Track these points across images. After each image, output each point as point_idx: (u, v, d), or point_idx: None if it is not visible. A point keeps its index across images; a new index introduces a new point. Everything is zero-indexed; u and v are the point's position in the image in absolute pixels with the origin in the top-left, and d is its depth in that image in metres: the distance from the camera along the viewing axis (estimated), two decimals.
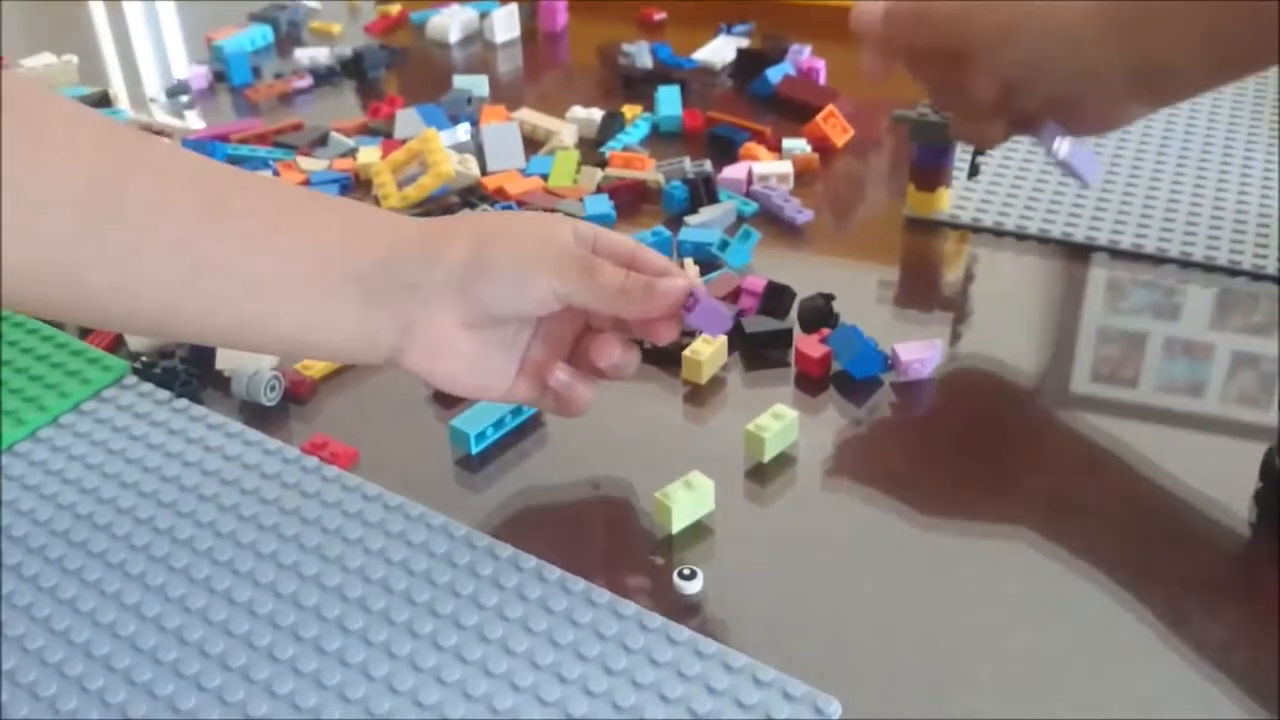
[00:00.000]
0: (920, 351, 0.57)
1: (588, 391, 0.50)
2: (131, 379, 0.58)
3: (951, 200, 0.69)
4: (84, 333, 0.61)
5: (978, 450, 0.54)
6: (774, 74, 0.84)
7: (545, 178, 0.74)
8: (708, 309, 0.48)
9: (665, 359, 0.59)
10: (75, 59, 0.92)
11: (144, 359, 0.59)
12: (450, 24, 0.95)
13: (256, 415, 0.57)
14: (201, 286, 0.44)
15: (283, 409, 0.58)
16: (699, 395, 0.58)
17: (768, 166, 0.73)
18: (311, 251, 0.46)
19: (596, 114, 0.80)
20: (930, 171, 0.68)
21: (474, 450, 0.54)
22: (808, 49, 0.88)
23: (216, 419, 0.56)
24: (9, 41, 0.98)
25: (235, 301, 0.44)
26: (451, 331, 0.47)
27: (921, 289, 0.67)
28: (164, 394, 0.57)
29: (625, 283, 0.47)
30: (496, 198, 0.72)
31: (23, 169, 0.40)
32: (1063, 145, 0.59)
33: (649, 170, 0.74)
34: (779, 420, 0.53)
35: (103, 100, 0.86)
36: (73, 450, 0.54)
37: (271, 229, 0.45)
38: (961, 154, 0.70)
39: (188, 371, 0.58)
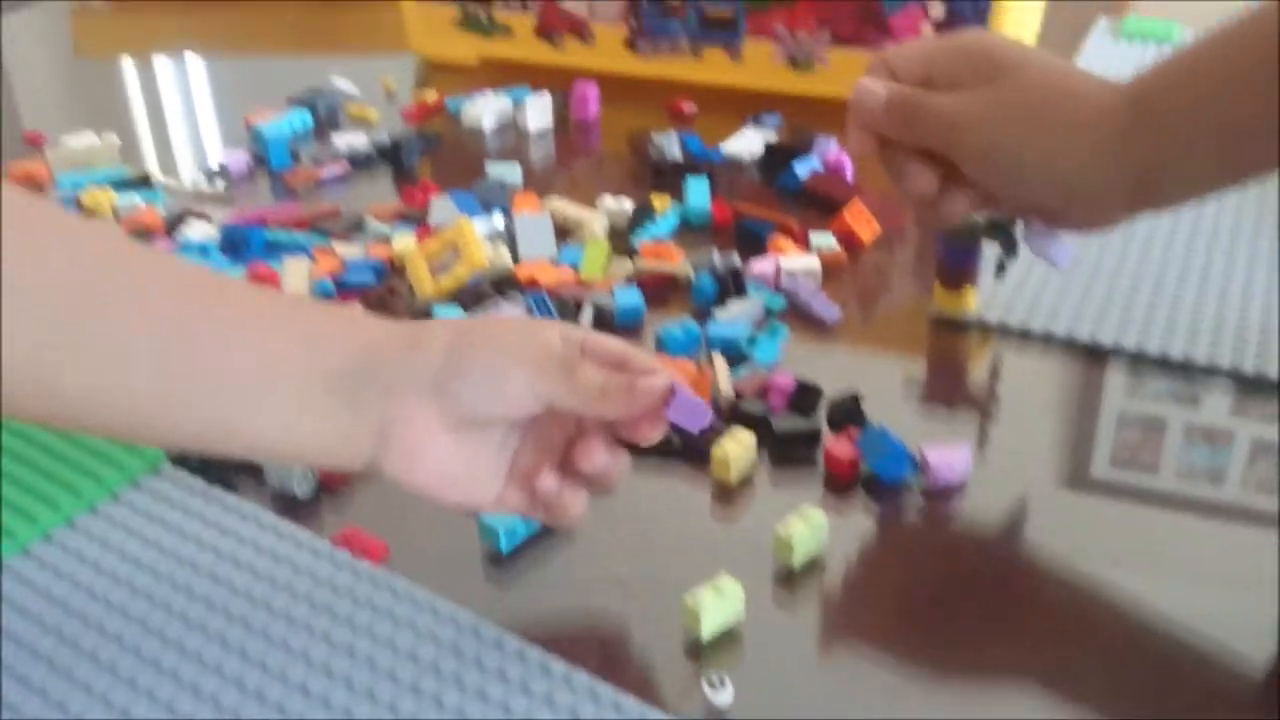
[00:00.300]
0: (949, 456, 0.57)
1: (578, 500, 0.49)
2: (168, 466, 0.59)
3: (978, 299, 0.70)
4: None
5: (1003, 567, 0.54)
6: (801, 168, 0.85)
7: (576, 268, 0.75)
8: (685, 404, 0.47)
9: (695, 456, 0.59)
10: (116, 139, 0.94)
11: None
12: (484, 112, 0.97)
13: (289, 505, 0.58)
14: (173, 388, 0.43)
15: (314, 499, 0.58)
16: (728, 493, 0.58)
17: (795, 261, 0.74)
18: (286, 354, 0.45)
19: (627, 204, 0.81)
20: (957, 271, 0.68)
21: (504, 548, 0.54)
22: (834, 142, 0.89)
23: (250, 509, 0.56)
24: (50, 119, 1.01)
25: (208, 404, 0.44)
26: (431, 435, 0.46)
27: (947, 387, 0.67)
28: (199, 482, 0.58)
29: (606, 383, 0.46)
30: (528, 287, 0.73)
31: (3, 272, 0.41)
32: (1039, 237, 0.59)
33: (678, 263, 0.75)
34: (808, 524, 0.53)
35: (143, 181, 0.88)
36: (109, 539, 0.55)
37: (246, 332, 0.45)
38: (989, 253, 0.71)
39: (223, 460, 0.59)
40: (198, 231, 0.78)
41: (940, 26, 0.92)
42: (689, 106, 0.99)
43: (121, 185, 0.86)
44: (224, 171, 0.89)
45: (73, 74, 1.20)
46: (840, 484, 0.58)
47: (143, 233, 0.79)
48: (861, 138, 0.58)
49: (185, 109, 1.08)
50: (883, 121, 0.57)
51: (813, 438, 0.60)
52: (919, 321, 0.71)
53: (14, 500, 0.56)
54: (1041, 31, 1.08)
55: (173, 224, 0.80)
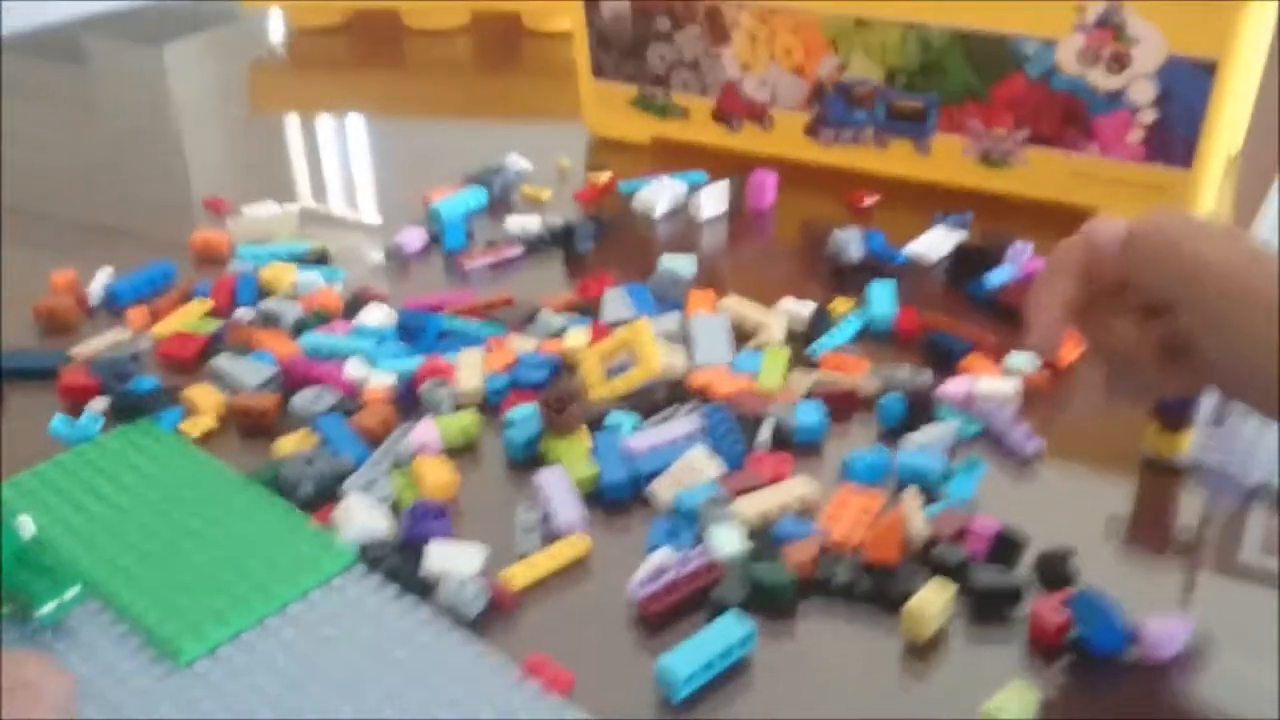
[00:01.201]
0: (1169, 629, 0.52)
1: None
2: (359, 569, 0.58)
3: (1194, 443, 0.65)
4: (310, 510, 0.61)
5: None
6: (995, 276, 0.80)
7: (754, 376, 0.72)
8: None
9: (886, 602, 0.55)
10: (297, 209, 0.95)
11: (372, 552, 0.59)
12: (658, 198, 0.95)
13: (457, 621, 0.56)
14: None
15: (483, 618, 0.56)
16: (918, 650, 0.54)
17: (993, 384, 0.69)
18: None
19: (806, 307, 0.78)
20: (1176, 412, 0.63)
21: (680, 696, 0.51)
22: (1030, 247, 0.85)
23: (441, 624, 0.55)
24: (232, 190, 1.03)
25: None
26: None
27: (1154, 533, 0.61)
28: (390, 590, 0.57)
29: None
30: (704, 395, 0.70)
31: None
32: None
33: (863, 377, 0.71)
34: (1018, 700, 0.48)
35: (322, 258, 0.88)
36: (297, 645, 0.53)
37: None
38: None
39: (413, 568, 0.57)
40: (375, 316, 0.78)
41: (1148, 133, 0.87)
42: (870, 199, 0.95)
43: (301, 260, 0.87)
44: (399, 250, 0.89)
45: (247, 131, 1.23)
46: (1045, 648, 0.54)
47: (322, 314, 0.79)
48: (1065, 286, 0.54)
49: (360, 175, 1.10)
50: (1111, 260, 0.53)
51: (1016, 595, 0.55)
52: (1126, 459, 0.66)
53: (207, 599, 0.56)
54: (1248, 138, 1.02)
55: (351, 307, 0.80)
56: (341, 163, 1.12)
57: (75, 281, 0.85)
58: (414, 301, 0.81)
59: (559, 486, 0.63)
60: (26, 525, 0.55)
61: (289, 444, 0.67)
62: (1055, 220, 0.91)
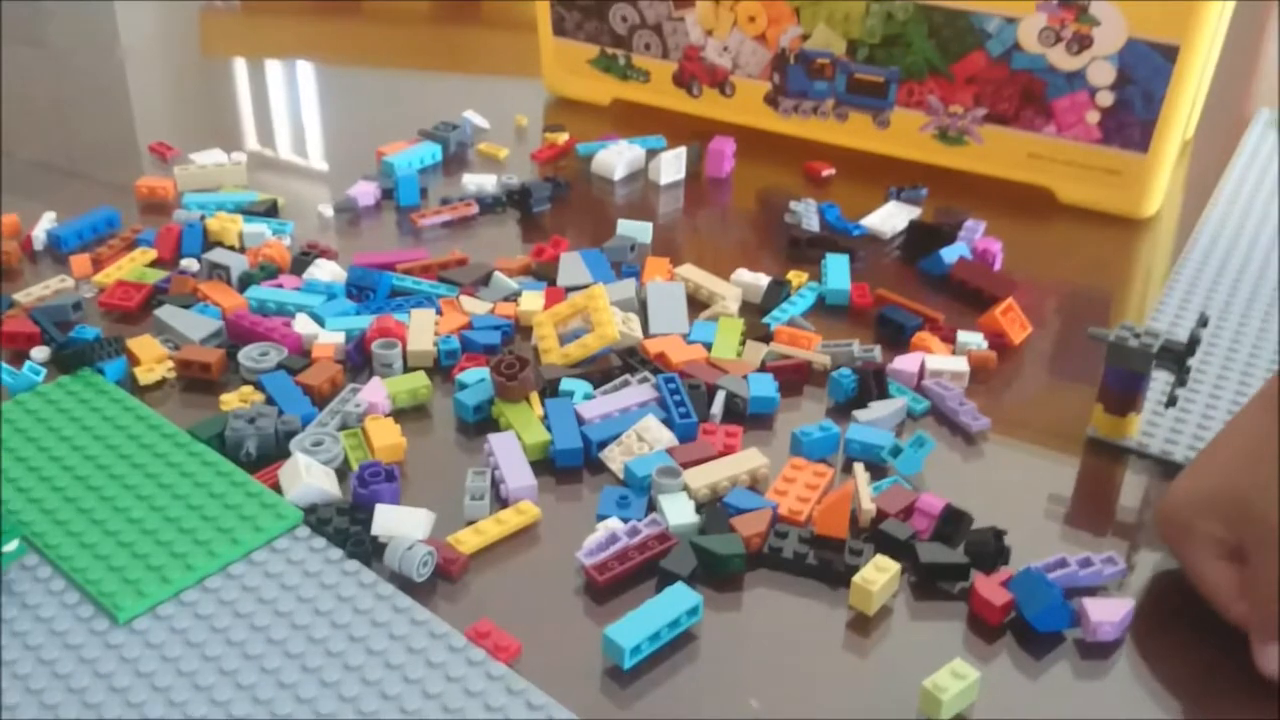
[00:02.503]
0: (1111, 611, 0.53)
1: None
2: (304, 530, 0.57)
3: (1140, 426, 0.66)
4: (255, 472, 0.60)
5: None
6: (948, 254, 0.81)
7: (708, 347, 0.72)
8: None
9: (832, 577, 0.56)
10: (244, 158, 0.93)
11: (319, 514, 0.58)
12: (617, 161, 0.94)
13: (404, 585, 0.55)
14: None
15: (430, 583, 0.56)
16: (863, 624, 0.54)
17: (942, 361, 0.70)
18: None
19: (762, 279, 0.78)
20: (1124, 396, 0.64)
21: (627, 666, 0.51)
22: (983, 226, 0.85)
23: (386, 589, 0.54)
24: (179, 136, 1.00)
25: None
26: None
27: (1096, 515, 0.62)
28: (335, 552, 0.56)
29: None
30: (658, 364, 0.70)
31: None
32: None
33: (815, 350, 0.71)
34: (959, 680, 0.49)
35: (271, 210, 0.86)
36: (238, 606, 0.53)
37: None
38: (1158, 380, 0.66)
39: (360, 532, 0.57)
40: (325, 272, 0.77)
41: (1106, 115, 0.87)
42: (827, 171, 0.95)
43: (248, 211, 0.85)
44: (352, 203, 0.88)
45: (197, 76, 1.20)
46: (987, 626, 0.54)
47: (269, 268, 0.77)
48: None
49: (310, 124, 1.08)
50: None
51: (962, 571, 0.56)
52: (1071, 440, 0.67)
53: (147, 556, 0.55)
54: (1201, 123, 1.03)
55: (300, 262, 0.79)
56: (292, 111, 1.10)
57: (18, 225, 0.82)
58: (365, 258, 0.79)
59: (509, 452, 0.62)
60: None
61: (233, 400, 0.66)
62: (1009, 198, 0.92)
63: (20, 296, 0.74)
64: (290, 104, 1.12)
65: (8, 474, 0.59)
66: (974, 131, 0.92)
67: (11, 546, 0.53)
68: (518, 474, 0.61)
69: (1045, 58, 0.88)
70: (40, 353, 0.69)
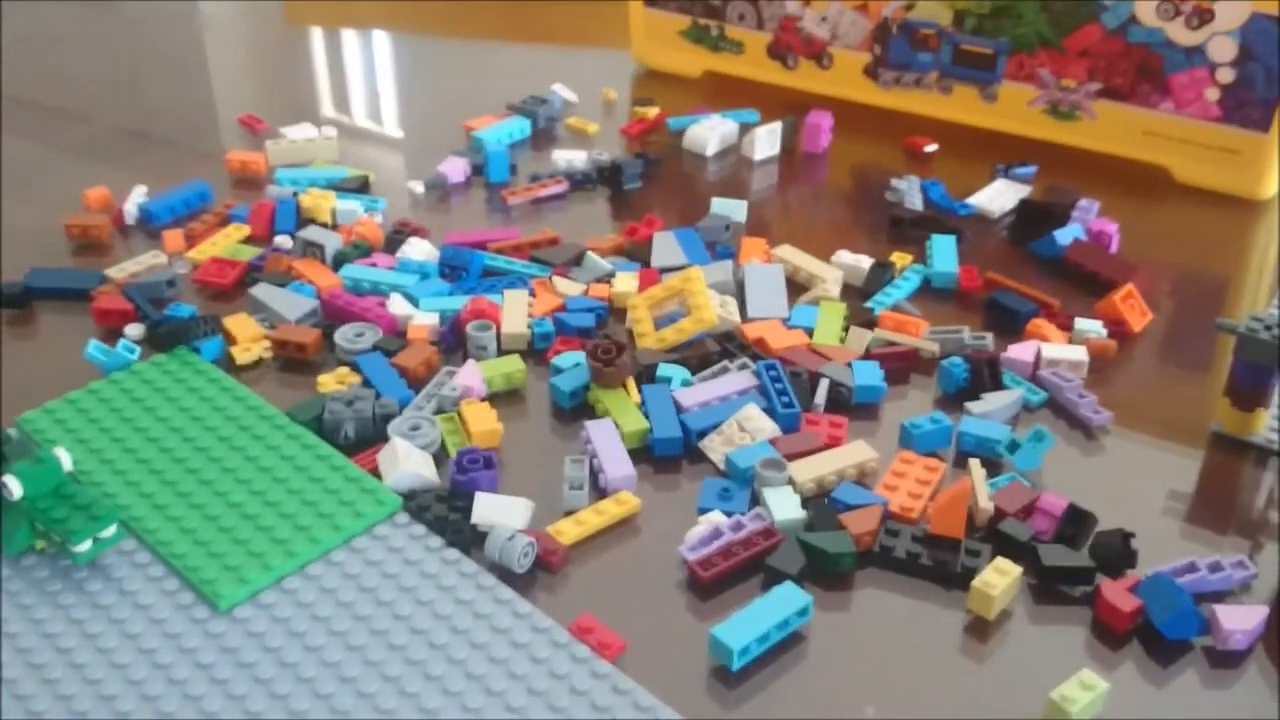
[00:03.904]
0: (1245, 620, 0.50)
1: None
2: (403, 517, 0.56)
3: (1269, 423, 0.62)
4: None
5: None
6: (1062, 235, 0.77)
7: (810, 332, 0.69)
8: None
9: (949, 580, 0.54)
10: (335, 133, 0.92)
11: (418, 501, 0.57)
12: (709, 136, 0.92)
13: (504, 576, 0.54)
14: None
15: (529, 575, 0.54)
16: (982, 629, 0.52)
17: (1059, 350, 0.67)
18: None
19: (864, 261, 0.75)
20: (1253, 391, 0.60)
21: (735, 668, 0.50)
22: (1097, 206, 0.81)
23: (487, 580, 0.53)
24: (262, 106, 0.99)
25: None
26: None
27: (1219, 514, 0.59)
28: (435, 540, 0.55)
29: None
30: (757, 349, 0.68)
31: None
32: None
33: (922, 336, 0.69)
34: (1088, 691, 0.47)
35: (362, 186, 0.85)
36: (340, 594, 0.52)
37: None
38: None
39: (460, 520, 0.56)
40: (418, 251, 0.75)
41: (1226, 93, 0.83)
42: (929, 146, 0.92)
43: (339, 188, 0.84)
44: (442, 180, 0.86)
45: (279, 46, 1.19)
46: (1112, 633, 0.52)
47: (362, 246, 0.76)
48: None
49: (397, 97, 1.06)
50: None
51: (1086, 575, 0.53)
52: (1192, 434, 0.63)
53: (248, 542, 0.54)
54: None
55: (392, 240, 0.77)
56: (377, 83, 1.09)
57: (109, 198, 0.82)
58: (457, 237, 0.78)
59: (608, 441, 0.60)
60: (64, 459, 0.53)
61: (330, 382, 0.65)
62: (1123, 177, 0.88)
63: (113, 272, 0.74)
64: (375, 76, 1.11)
65: (103, 455, 0.59)
66: (1087, 107, 0.88)
67: (109, 532, 0.52)
68: (617, 463, 0.59)
69: (1163, 31, 0.83)
70: (135, 330, 0.68)
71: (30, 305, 0.72)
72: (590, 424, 0.62)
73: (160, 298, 0.71)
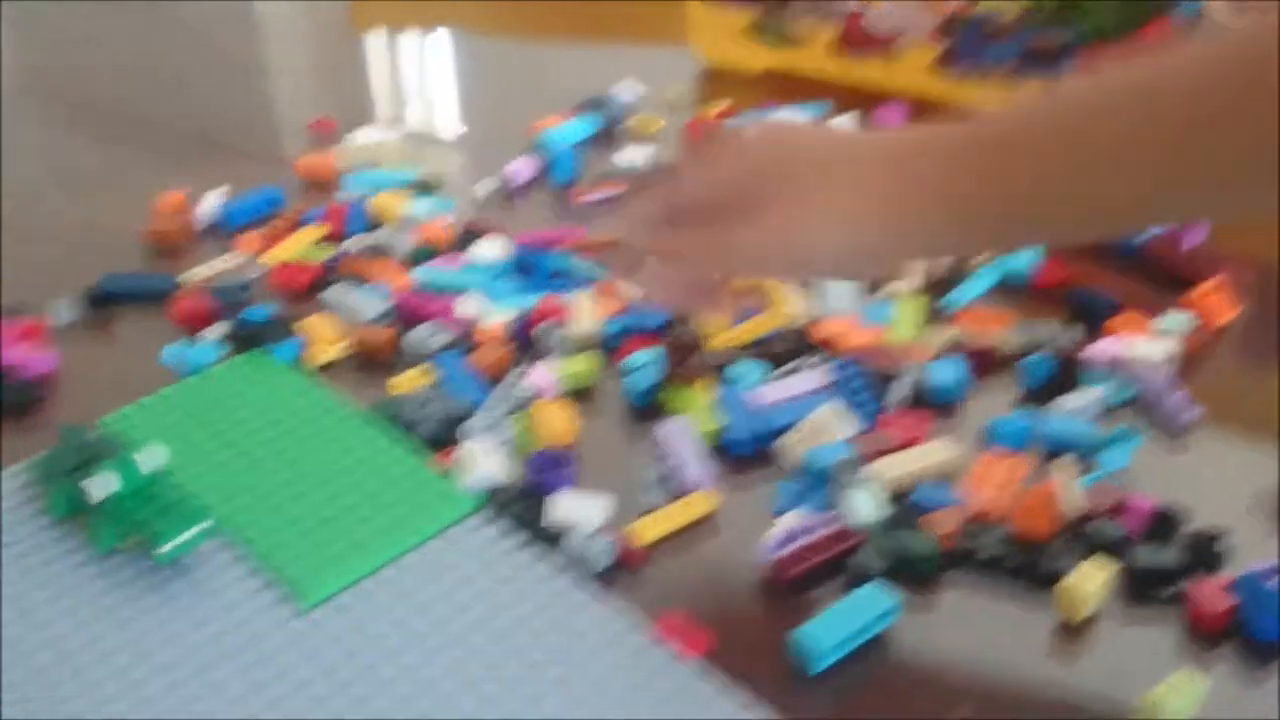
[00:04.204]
0: None
1: None
2: (481, 517, 0.56)
3: None
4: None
5: None
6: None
7: (885, 328, 0.68)
8: None
9: (1036, 582, 0.52)
10: (403, 135, 0.92)
11: (495, 501, 0.57)
12: None
13: (583, 575, 0.54)
14: None
15: (608, 574, 0.54)
16: (1071, 631, 0.51)
17: (1145, 346, 0.65)
18: None
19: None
20: None
21: (819, 670, 0.49)
22: None
23: (567, 580, 0.53)
24: (324, 108, 1.00)
25: None
26: None
27: None
28: (513, 540, 0.55)
29: None
30: (831, 347, 0.67)
31: None
32: None
33: (1002, 333, 0.67)
34: (1182, 695, 0.45)
35: (432, 187, 0.85)
36: (418, 595, 0.52)
37: None
38: None
39: (538, 520, 0.55)
40: (488, 251, 0.75)
41: None
42: None
43: (410, 188, 0.84)
44: (509, 180, 0.86)
45: (341, 46, 1.20)
46: (1206, 634, 0.50)
47: (433, 247, 0.77)
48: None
49: (461, 97, 1.07)
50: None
51: (1177, 575, 0.52)
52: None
53: (329, 542, 0.54)
54: None
55: (463, 239, 0.78)
56: (445, 85, 1.10)
57: (184, 203, 0.83)
58: (527, 237, 0.78)
59: (684, 441, 0.60)
60: (149, 459, 0.54)
61: (405, 382, 0.65)
62: None
63: (189, 276, 0.75)
64: (440, 77, 1.12)
65: (185, 456, 0.59)
66: None
67: (195, 531, 0.53)
68: (693, 462, 0.59)
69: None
70: (214, 332, 0.69)
71: (111, 308, 0.73)
72: (666, 423, 0.61)
73: (237, 301, 0.72)
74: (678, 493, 0.58)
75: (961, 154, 0.49)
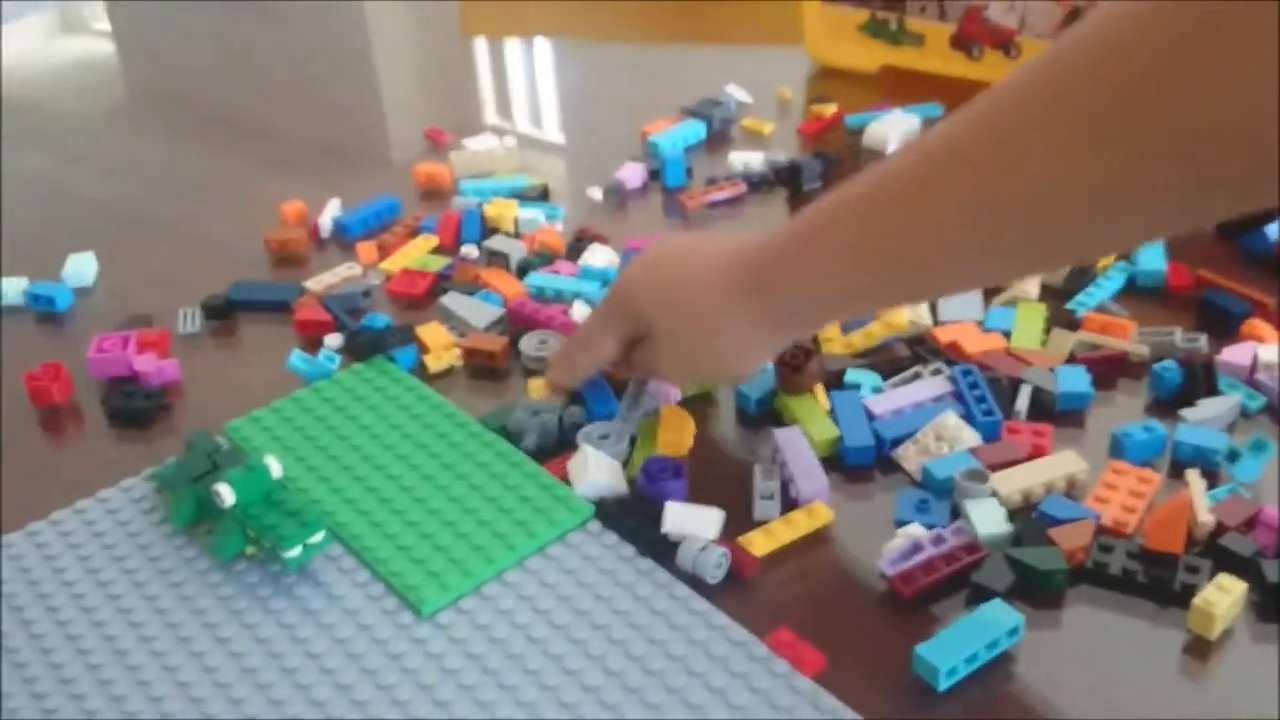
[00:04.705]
0: None
1: None
2: (596, 525, 0.56)
3: None
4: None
5: None
6: (1273, 230, 0.72)
7: (1007, 335, 0.67)
8: None
9: (1168, 597, 0.51)
10: (515, 142, 0.93)
11: (608, 509, 0.57)
12: (889, 133, 0.89)
13: (696, 586, 0.53)
14: None
15: (722, 585, 0.54)
16: (1203, 649, 0.49)
17: (1277, 352, 0.62)
18: None
19: None
20: None
21: (942, 689, 0.48)
22: None
23: (681, 589, 0.53)
24: (437, 116, 1.01)
25: None
26: None
27: None
28: (628, 548, 0.55)
29: None
30: (951, 354, 0.66)
31: None
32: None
33: (1130, 339, 0.65)
34: None
35: (542, 194, 0.86)
36: (537, 601, 0.52)
37: None
38: None
39: (652, 529, 0.55)
40: (600, 257, 0.76)
41: None
42: None
43: (521, 196, 0.85)
44: (619, 187, 0.87)
45: (451, 54, 1.21)
46: None
47: (545, 254, 0.77)
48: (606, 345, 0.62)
49: (571, 103, 1.07)
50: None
51: None
52: None
53: (448, 548, 0.55)
54: None
55: (574, 247, 0.78)
56: (553, 91, 1.10)
57: (304, 212, 0.85)
58: (637, 243, 0.78)
59: (798, 450, 0.59)
60: (274, 466, 0.55)
61: (539, 387, 0.65)
62: None
63: (310, 284, 0.77)
64: (549, 83, 1.13)
65: (308, 462, 0.61)
66: None
67: (318, 538, 0.54)
68: (808, 473, 0.58)
69: None
70: (334, 340, 0.71)
71: (234, 317, 0.75)
72: (779, 432, 0.60)
73: (356, 308, 0.73)
74: (792, 504, 0.58)
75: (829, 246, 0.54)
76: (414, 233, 0.81)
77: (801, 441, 0.60)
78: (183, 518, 0.57)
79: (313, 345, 0.71)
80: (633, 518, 0.56)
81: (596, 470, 0.58)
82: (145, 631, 0.52)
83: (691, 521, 0.55)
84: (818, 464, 0.59)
